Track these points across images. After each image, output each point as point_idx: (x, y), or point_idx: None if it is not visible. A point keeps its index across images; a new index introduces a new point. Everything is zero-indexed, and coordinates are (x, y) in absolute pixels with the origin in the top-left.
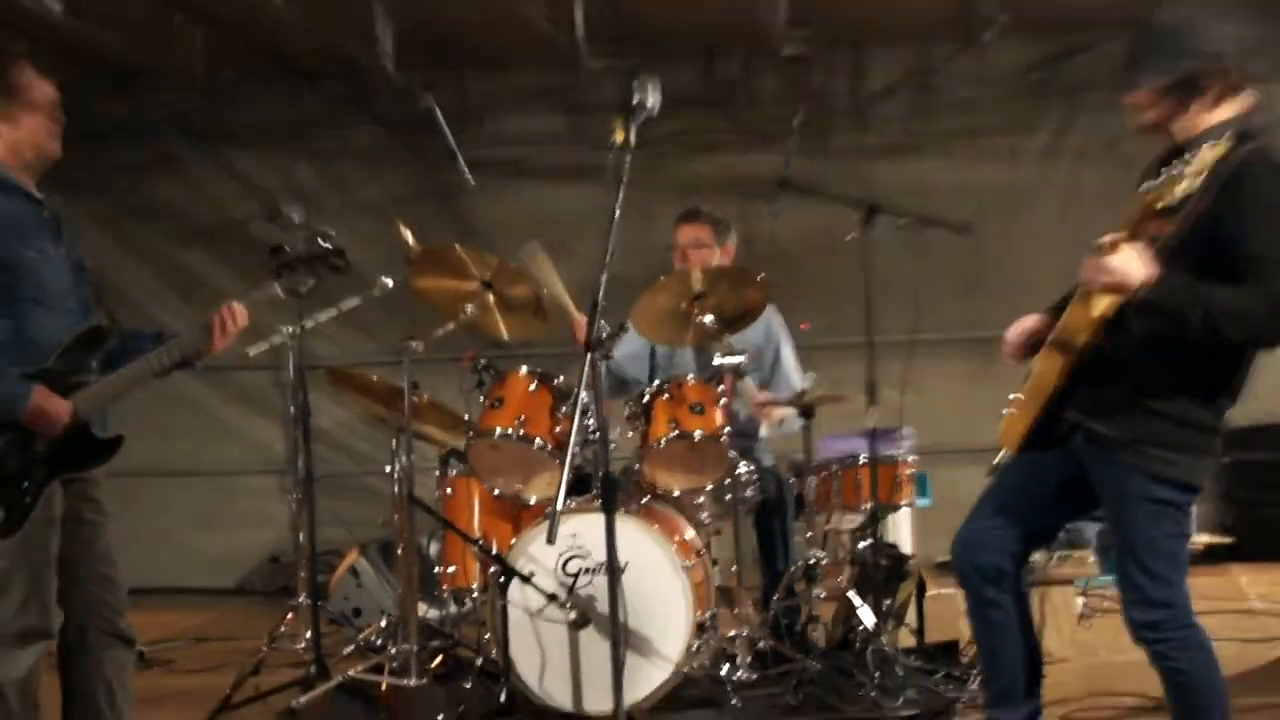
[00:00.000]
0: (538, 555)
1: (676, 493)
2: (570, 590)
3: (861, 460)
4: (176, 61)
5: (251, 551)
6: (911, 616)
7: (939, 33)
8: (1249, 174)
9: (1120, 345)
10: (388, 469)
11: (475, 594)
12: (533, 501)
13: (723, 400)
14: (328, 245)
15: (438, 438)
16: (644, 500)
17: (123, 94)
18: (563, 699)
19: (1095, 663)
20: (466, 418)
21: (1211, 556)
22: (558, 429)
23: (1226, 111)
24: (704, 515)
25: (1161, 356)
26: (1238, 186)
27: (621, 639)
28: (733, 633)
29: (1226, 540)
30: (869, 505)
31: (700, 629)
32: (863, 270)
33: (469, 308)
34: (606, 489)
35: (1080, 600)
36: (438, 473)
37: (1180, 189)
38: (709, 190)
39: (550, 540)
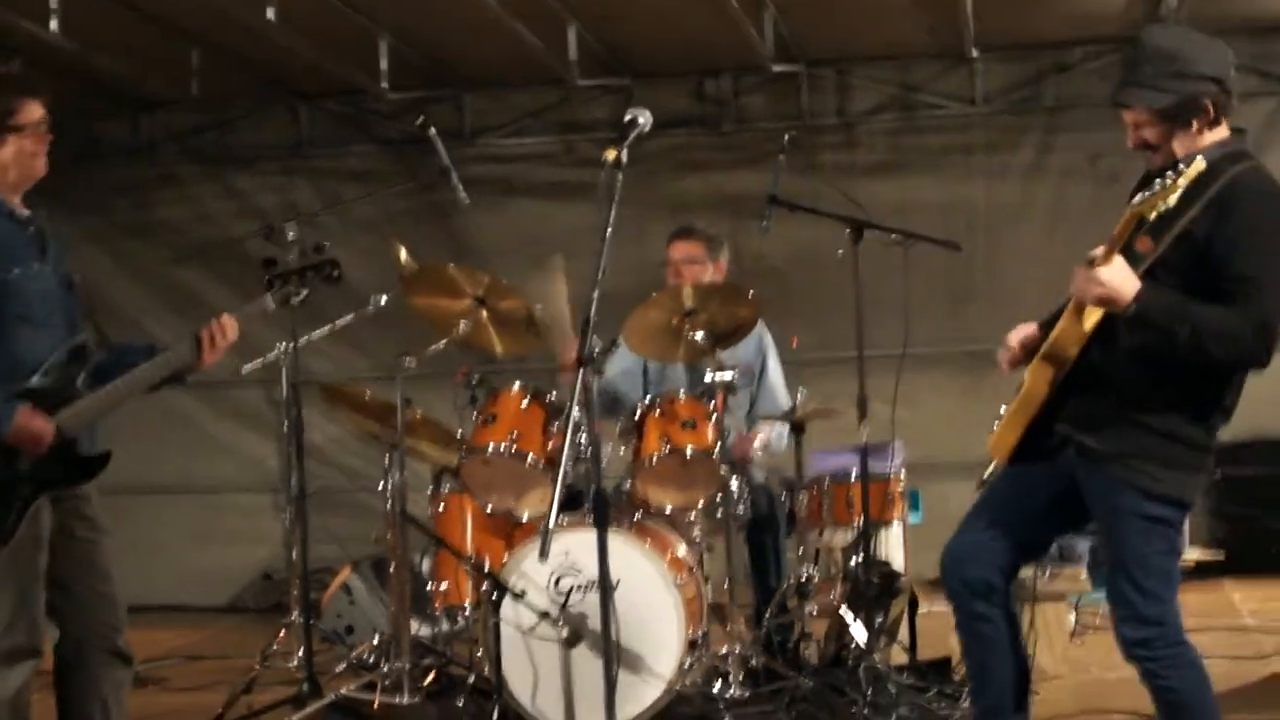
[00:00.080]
0: (530, 572)
1: (668, 509)
2: (562, 607)
3: (853, 476)
4: (175, 82)
5: (244, 568)
6: (904, 633)
7: (923, 56)
8: (1241, 194)
9: (1110, 359)
10: (380, 485)
11: (468, 611)
12: (525, 518)
13: (714, 416)
14: (321, 256)
15: (431, 454)
16: (636, 517)
17: (121, 114)
18: (555, 716)
19: (1087, 679)
20: (459, 434)
21: (1203, 572)
22: (550, 445)
23: (1223, 131)
24: (696, 532)
25: (1153, 372)
26: (1229, 207)
27: (614, 656)
28: (725, 650)
29: (1218, 556)
30: (861, 521)
31: (692, 646)
32: (852, 286)
33: (463, 324)
34: (598, 506)
35: (1072, 617)
36: (430, 489)
37: (1173, 199)
38: (699, 208)
39: (543, 555)
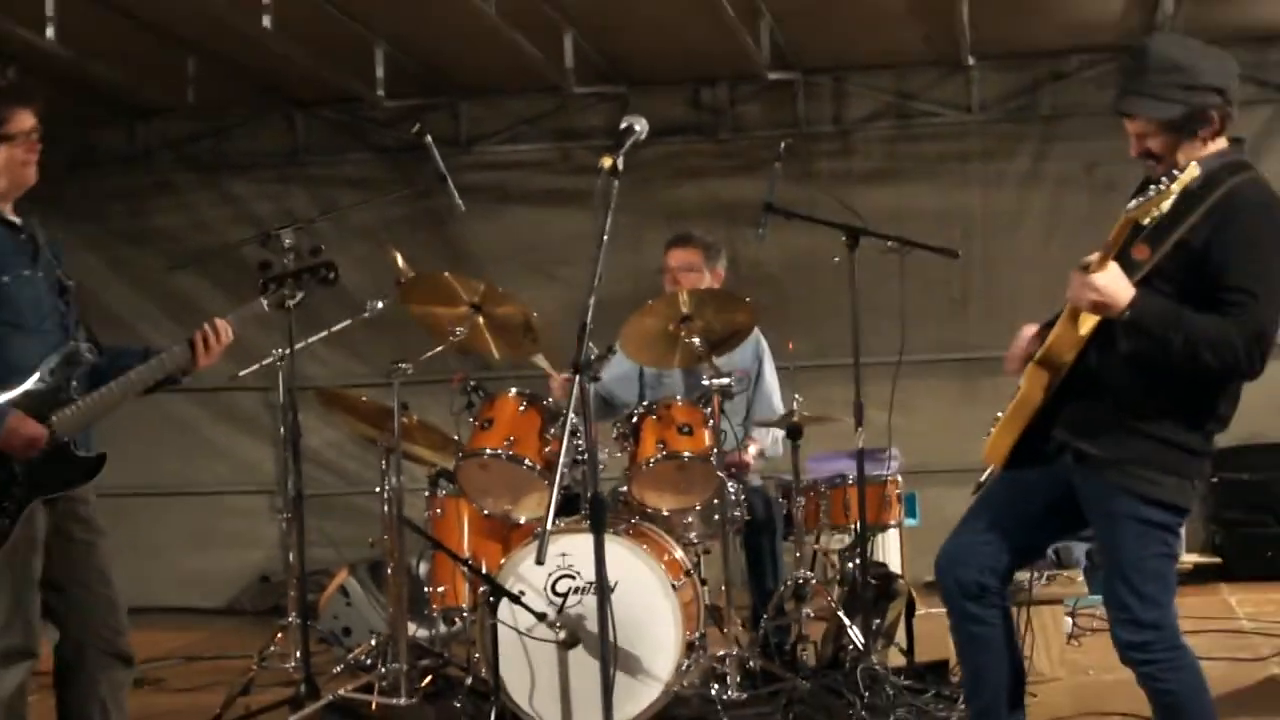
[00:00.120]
0: (527, 575)
1: (665, 512)
2: (559, 610)
3: (849, 480)
4: (171, 90)
5: (241, 571)
6: (901, 636)
7: (920, 64)
8: (1240, 205)
9: (1108, 365)
10: (377, 489)
11: (465, 613)
12: (522, 521)
13: (711, 421)
14: (316, 258)
15: (427, 458)
16: (633, 520)
17: (117, 122)
18: (552, 718)
19: (1085, 682)
20: (456, 438)
21: (1200, 576)
22: (547, 450)
23: (1222, 141)
24: (693, 535)
25: (1150, 378)
26: (1228, 217)
27: (611, 658)
28: (722, 652)
29: (1215, 560)
30: (857, 525)
31: (690, 648)
32: (849, 293)
33: (459, 330)
34: (595, 509)
35: (1069, 619)
36: (427, 493)
37: (1166, 205)
38: (695, 215)
39: (539, 560)
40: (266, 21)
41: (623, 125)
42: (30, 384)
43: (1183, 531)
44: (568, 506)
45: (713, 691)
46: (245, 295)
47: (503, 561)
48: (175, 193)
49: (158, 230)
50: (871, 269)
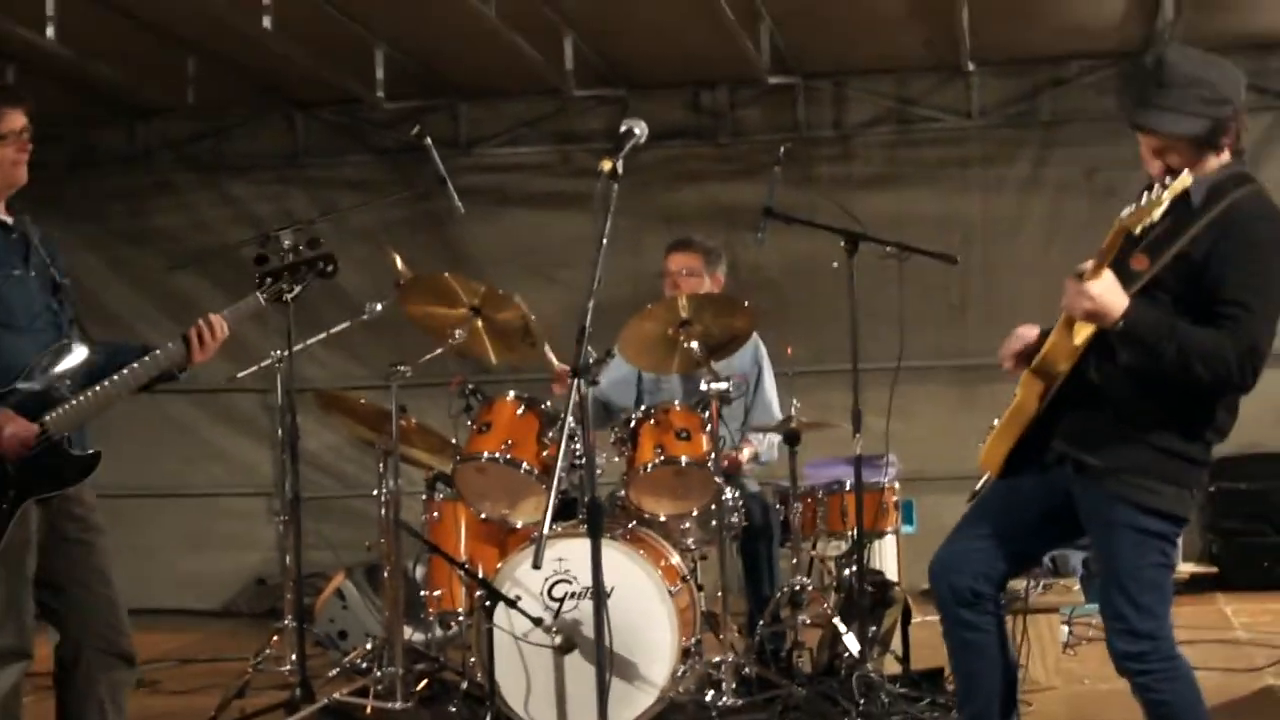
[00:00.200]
0: (523, 579)
1: (662, 518)
2: (556, 615)
3: (847, 486)
4: (171, 90)
5: (237, 573)
6: (897, 643)
7: (920, 69)
8: (1241, 219)
9: (1107, 374)
10: (375, 492)
11: (461, 617)
12: (519, 526)
13: (709, 427)
14: (314, 251)
15: (425, 461)
16: (630, 525)
17: (117, 122)
18: None
19: (1080, 691)
20: (454, 441)
21: (1196, 586)
22: (544, 454)
23: (1226, 155)
24: (690, 540)
25: (1149, 388)
26: (1228, 231)
27: (607, 664)
28: (718, 658)
29: (1211, 569)
30: (854, 531)
31: (686, 654)
32: (848, 298)
33: (458, 333)
34: (592, 514)
35: (1065, 628)
36: (424, 496)
37: (1157, 213)
38: (694, 219)
39: (536, 564)
40: (267, 22)
41: (622, 128)
42: (21, 383)
43: (1180, 541)
44: (565, 511)
45: (708, 698)
46: (244, 295)
47: (499, 566)
48: (175, 193)
49: (157, 230)
50: (871, 274)
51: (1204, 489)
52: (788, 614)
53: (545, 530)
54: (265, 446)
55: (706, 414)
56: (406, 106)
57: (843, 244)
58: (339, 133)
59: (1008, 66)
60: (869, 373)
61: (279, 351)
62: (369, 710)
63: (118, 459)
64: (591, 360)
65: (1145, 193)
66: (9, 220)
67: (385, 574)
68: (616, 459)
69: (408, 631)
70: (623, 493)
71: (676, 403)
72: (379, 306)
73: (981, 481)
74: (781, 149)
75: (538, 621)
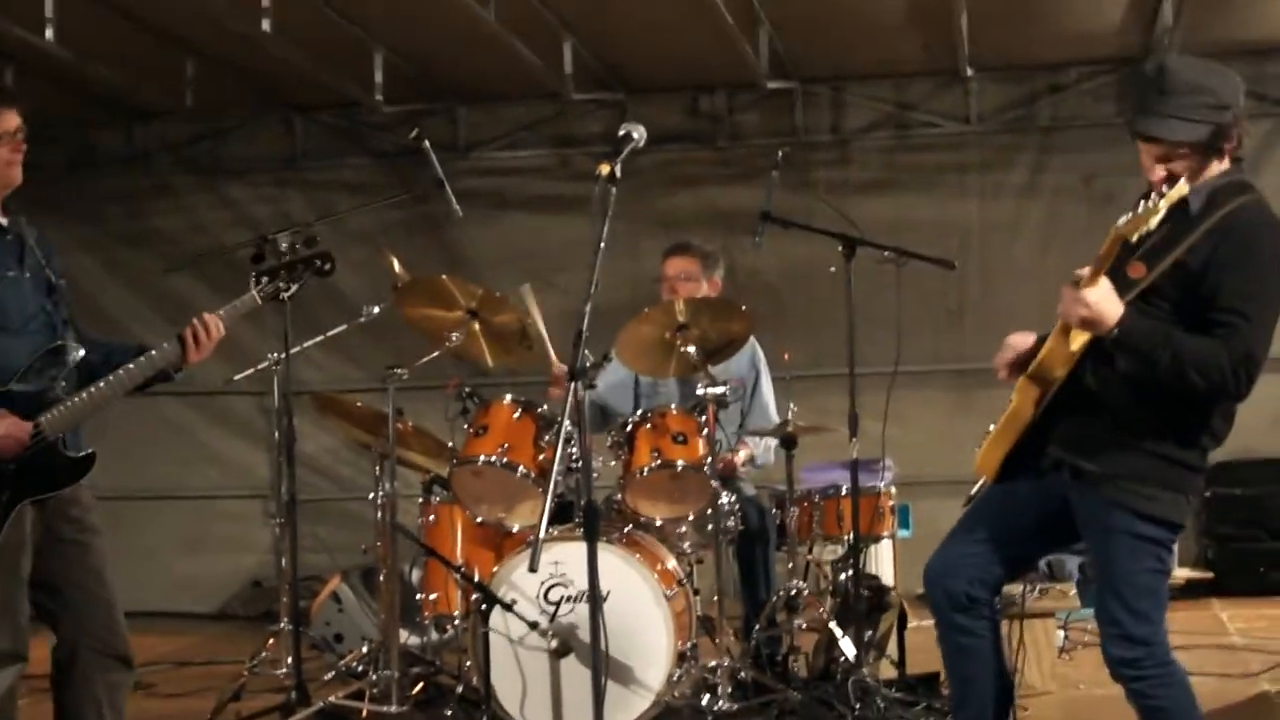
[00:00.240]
0: (520, 583)
1: (659, 522)
2: (552, 618)
3: (843, 491)
4: (170, 92)
5: (234, 576)
6: (893, 648)
7: (918, 74)
8: (1240, 228)
9: (1104, 379)
10: (371, 495)
11: (457, 621)
12: (515, 529)
13: (705, 431)
14: (311, 249)
15: (421, 464)
16: (626, 529)
17: (116, 124)
18: None
19: (1076, 696)
20: (450, 445)
21: (1191, 591)
22: (541, 457)
23: (1225, 162)
24: (686, 544)
25: (1146, 394)
26: (1226, 239)
27: (603, 668)
28: (714, 662)
29: (1207, 575)
30: (850, 536)
31: (681, 658)
32: (845, 303)
33: (455, 336)
34: (589, 517)
35: (1061, 633)
36: (421, 499)
37: (1154, 222)
38: (692, 223)
39: (533, 568)
40: (266, 25)
41: (621, 132)
42: (15, 384)
43: (1175, 547)
44: (561, 514)
45: (704, 702)
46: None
47: (495, 569)
48: (173, 195)
49: (155, 232)
50: (868, 279)
51: (1200, 495)
52: (784, 618)
53: (541, 534)
54: (262, 449)
55: (703, 418)
56: (405, 110)
57: (840, 249)
58: (337, 136)
59: (1006, 72)
60: (866, 377)
61: (276, 354)
62: (364, 713)
63: (114, 461)
64: (589, 364)
65: (1142, 200)
66: (4, 221)
67: (381, 577)
68: (613, 462)
69: (403, 635)
70: (619, 496)
71: (673, 406)
72: (376, 309)
73: (977, 486)
74: (779, 153)
75: (534, 625)
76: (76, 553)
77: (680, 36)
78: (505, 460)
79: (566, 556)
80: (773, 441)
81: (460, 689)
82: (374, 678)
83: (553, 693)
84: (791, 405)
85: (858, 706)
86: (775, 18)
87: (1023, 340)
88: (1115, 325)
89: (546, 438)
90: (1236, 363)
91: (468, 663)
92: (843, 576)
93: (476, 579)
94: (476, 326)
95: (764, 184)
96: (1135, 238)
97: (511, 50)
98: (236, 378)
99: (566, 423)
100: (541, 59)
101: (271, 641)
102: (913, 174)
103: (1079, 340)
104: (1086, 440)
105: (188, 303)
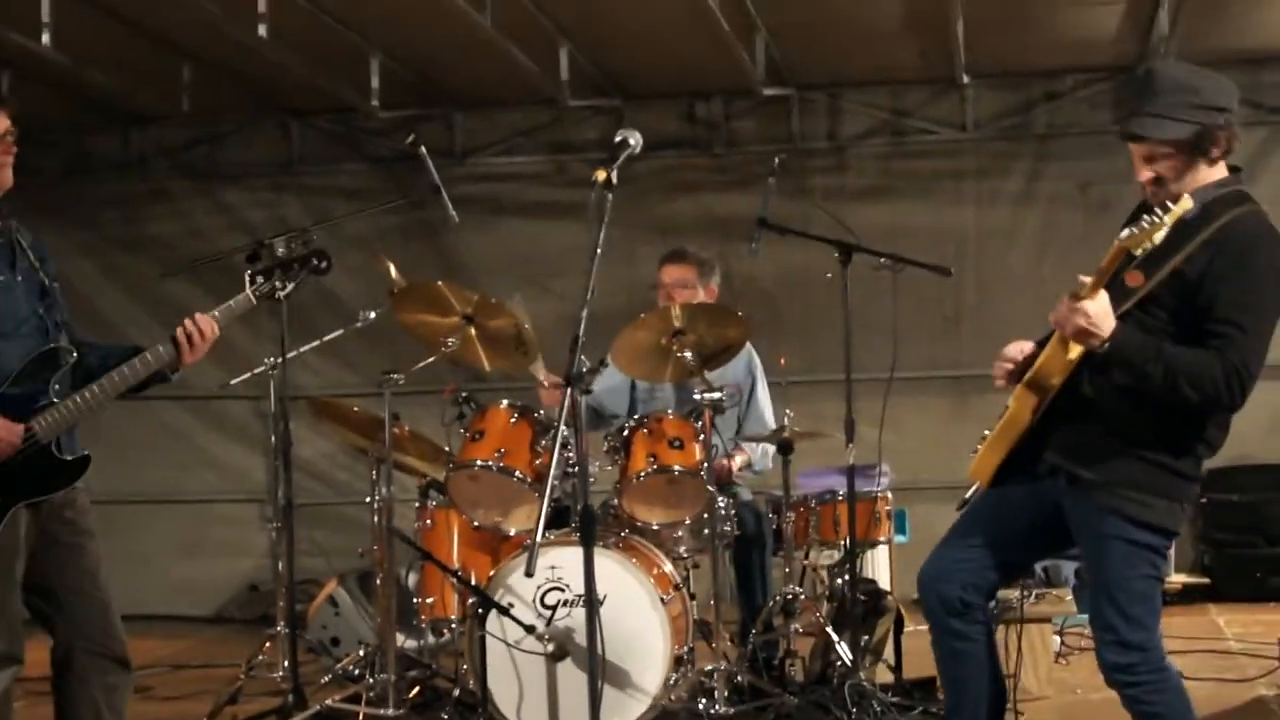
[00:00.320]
0: (516, 587)
1: (655, 526)
2: (548, 622)
3: (839, 496)
4: (166, 97)
5: (230, 579)
6: (889, 653)
7: (915, 81)
8: (1237, 239)
9: (1101, 388)
10: (367, 499)
11: (453, 625)
12: (512, 533)
13: (702, 436)
14: (306, 248)
15: (418, 469)
16: (622, 533)
17: (112, 129)
18: None
19: (1072, 701)
20: (447, 449)
21: (1188, 596)
22: (537, 462)
23: (1221, 170)
24: (682, 549)
25: (1142, 403)
26: (1223, 250)
27: (599, 672)
28: (710, 667)
29: (1203, 580)
30: (846, 541)
31: (678, 662)
32: (841, 309)
33: (451, 341)
34: (585, 522)
35: (1058, 638)
36: (417, 504)
37: (1159, 237)
38: (689, 230)
39: (529, 572)
40: (262, 30)
41: (617, 139)
42: (7, 388)
43: (1170, 553)
44: (558, 519)
45: (700, 706)
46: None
47: (492, 573)
48: (169, 200)
49: (152, 237)
50: (864, 285)
51: (1195, 502)
52: (780, 623)
53: (538, 538)
54: (258, 453)
55: (700, 423)
56: (402, 115)
57: (836, 255)
58: (334, 141)
59: (1002, 80)
60: (862, 383)
61: (272, 359)
62: (361, 717)
63: (111, 465)
64: (585, 370)
65: (1146, 215)
66: None
67: (378, 581)
68: (609, 467)
69: (400, 638)
70: (615, 501)
71: (670, 412)
72: (372, 314)
73: (971, 491)
74: (776, 160)
75: (530, 629)
76: (71, 555)
77: (677, 43)
78: (501, 465)
79: (563, 561)
80: (769, 447)
81: (457, 693)
82: (370, 681)
83: (549, 697)
84: (788, 411)
85: (854, 711)
86: (772, 24)
87: (1017, 351)
88: (1106, 339)
89: (543, 442)
90: (1230, 374)
91: (464, 666)
92: (839, 581)
93: (473, 583)
94: (473, 332)
95: (760, 190)
96: (1139, 252)
97: (508, 56)
98: (233, 382)
99: (563, 428)
100: (538, 65)
101: (268, 645)
102: (909, 181)
103: (1076, 349)
104: (1083, 447)
105: (184, 307)
